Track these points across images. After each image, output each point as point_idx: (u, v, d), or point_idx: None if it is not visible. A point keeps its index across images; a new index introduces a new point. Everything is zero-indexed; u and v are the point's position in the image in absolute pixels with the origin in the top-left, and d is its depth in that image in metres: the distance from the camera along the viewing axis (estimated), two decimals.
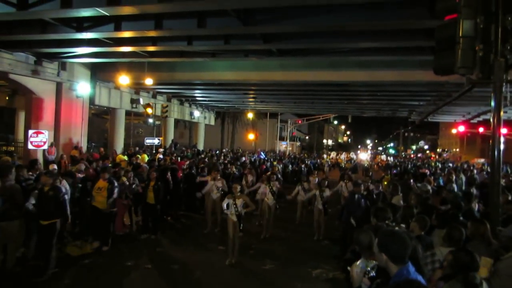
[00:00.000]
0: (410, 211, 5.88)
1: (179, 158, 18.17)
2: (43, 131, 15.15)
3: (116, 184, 8.99)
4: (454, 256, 3.52)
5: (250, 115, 39.59)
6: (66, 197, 7.77)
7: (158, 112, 24.74)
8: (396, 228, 4.75)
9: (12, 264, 7.12)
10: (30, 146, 14.71)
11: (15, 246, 7.23)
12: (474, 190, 9.40)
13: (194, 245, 9.45)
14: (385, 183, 13.02)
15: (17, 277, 6.94)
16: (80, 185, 9.42)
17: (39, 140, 14.74)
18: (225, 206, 8.11)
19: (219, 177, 10.97)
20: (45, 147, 15.17)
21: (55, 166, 10.70)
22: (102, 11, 9.28)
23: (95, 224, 8.91)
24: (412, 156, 56.28)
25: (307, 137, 71.38)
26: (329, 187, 11.02)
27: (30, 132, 14.89)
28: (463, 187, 13.17)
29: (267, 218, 10.39)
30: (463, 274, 3.33)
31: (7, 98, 27.70)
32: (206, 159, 18.97)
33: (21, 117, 25.33)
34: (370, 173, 13.75)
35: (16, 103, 27.09)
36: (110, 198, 8.66)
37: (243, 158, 22.60)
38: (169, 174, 12.59)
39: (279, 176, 12.54)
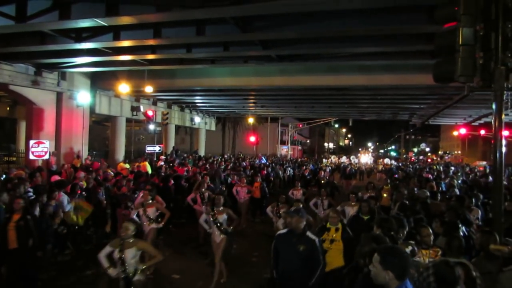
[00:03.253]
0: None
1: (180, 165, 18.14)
2: (44, 141, 15.09)
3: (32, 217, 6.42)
4: (433, 267, 3.06)
5: (251, 120, 39.61)
6: None
7: (159, 119, 24.76)
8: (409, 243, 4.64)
9: None
10: (31, 156, 14.62)
11: None
12: (481, 196, 9.07)
13: (196, 254, 9.36)
14: (385, 195, 10.79)
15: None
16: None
17: (40, 150, 14.65)
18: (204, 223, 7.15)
19: (150, 201, 8.01)
20: (46, 157, 15.11)
21: (58, 177, 10.63)
22: (100, 22, 9.30)
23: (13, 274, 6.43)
24: (413, 159, 56.10)
25: (308, 141, 71.33)
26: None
27: (31, 142, 14.81)
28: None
29: (218, 260, 7.16)
30: None
31: (7, 108, 27.81)
32: (207, 166, 18.90)
33: (22, 127, 25.42)
34: (372, 184, 11.24)
35: (17, 113, 27.19)
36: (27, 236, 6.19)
37: (244, 163, 22.52)
38: (172, 182, 12.62)
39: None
